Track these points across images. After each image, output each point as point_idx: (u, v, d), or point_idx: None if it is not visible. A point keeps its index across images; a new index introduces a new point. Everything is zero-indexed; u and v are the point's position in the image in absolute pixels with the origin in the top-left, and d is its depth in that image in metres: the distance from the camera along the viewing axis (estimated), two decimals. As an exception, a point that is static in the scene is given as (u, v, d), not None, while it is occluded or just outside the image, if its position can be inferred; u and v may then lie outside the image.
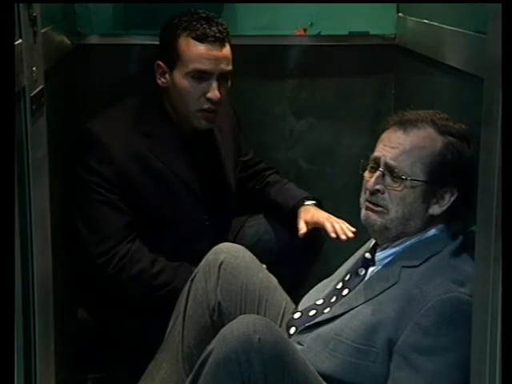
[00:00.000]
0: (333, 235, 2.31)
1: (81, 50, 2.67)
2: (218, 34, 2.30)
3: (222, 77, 2.33)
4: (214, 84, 2.30)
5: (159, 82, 2.36)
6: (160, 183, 2.36)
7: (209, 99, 2.31)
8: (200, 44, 2.30)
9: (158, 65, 2.35)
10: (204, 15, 2.34)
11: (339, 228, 2.32)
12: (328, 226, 2.34)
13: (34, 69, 1.52)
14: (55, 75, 2.05)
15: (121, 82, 2.72)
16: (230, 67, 2.34)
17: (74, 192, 2.33)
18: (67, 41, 2.40)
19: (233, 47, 2.36)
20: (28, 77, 1.47)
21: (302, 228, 2.39)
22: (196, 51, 2.29)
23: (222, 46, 2.31)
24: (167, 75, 2.34)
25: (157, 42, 2.43)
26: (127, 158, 2.31)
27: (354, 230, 2.31)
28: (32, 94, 1.49)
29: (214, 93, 2.30)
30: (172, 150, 2.38)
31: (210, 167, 2.48)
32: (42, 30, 1.65)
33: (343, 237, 2.29)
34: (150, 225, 2.36)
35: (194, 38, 2.30)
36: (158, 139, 2.36)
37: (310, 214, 2.43)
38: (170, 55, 2.33)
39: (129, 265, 2.30)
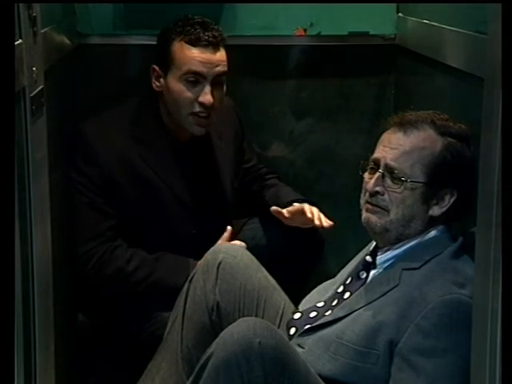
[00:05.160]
0: (309, 215, 2.32)
1: (81, 50, 2.67)
2: (211, 39, 2.29)
3: (216, 82, 2.31)
4: (207, 88, 2.29)
5: (154, 86, 2.35)
6: (147, 189, 2.35)
7: (201, 103, 2.29)
8: (193, 48, 2.29)
9: (154, 69, 2.35)
10: (200, 20, 2.33)
11: (317, 215, 2.32)
12: (307, 209, 2.34)
13: (34, 69, 1.52)
14: (55, 75, 2.05)
15: (120, 82, 2.72)
16: (224, 70, 2.32)
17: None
18: (67, 41, 2.40)
19: (231, 49, 2.35)
20: (28, 77, 1.47)
21: (278, 209, 2.39)
22: (189, 54, 2.29)
23: (216, 50, 2.30)
24: (161, 79, 2.34)
25: (156, 43, 2.42)
26: (115, 162, 2.31)
27: (331, 223, 2.31)
28: (32, 94, 1.49)
29: (207, 97, 2.29)
30: (162, 157, 2.37)
31: (205, 175, 2.46)
32: (42, 30, 1.65)
33: (317, 222, 2.30)
34: (134, 230, 2.36)
35: (187, 42, 2.29)
36: (149, 145, 2.35)
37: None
38: (164, 59, 2.32)
39: (106, 265, 2.31)
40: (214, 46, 2.30)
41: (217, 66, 2.31)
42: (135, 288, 2.33)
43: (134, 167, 2.34)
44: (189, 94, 2.30)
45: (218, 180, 2.49)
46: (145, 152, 2.35)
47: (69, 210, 2.30)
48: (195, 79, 2.29)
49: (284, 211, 2.40)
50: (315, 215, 2.33)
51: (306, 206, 2.37)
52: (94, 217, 2.31)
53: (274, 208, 2.42)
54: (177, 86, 2.31)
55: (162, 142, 2.37)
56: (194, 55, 2.29)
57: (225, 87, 2.37)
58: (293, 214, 2.39)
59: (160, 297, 2.31)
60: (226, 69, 2.33)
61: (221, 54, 2.32)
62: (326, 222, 2.32)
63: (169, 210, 2.38)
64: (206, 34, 2.29)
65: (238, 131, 2.59)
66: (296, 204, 2.41)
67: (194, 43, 2.29)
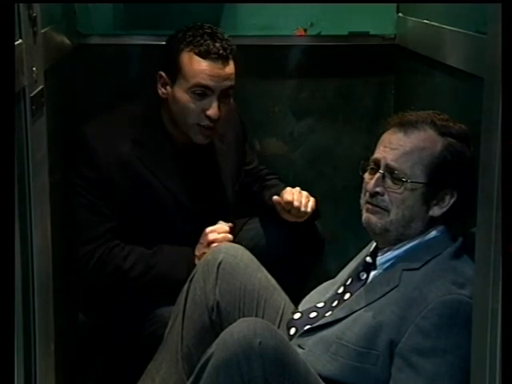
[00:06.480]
0: (289, 198, 2.34)
1: (81, 50, 2.67)
2: (221, 51, 2.26)
3: (224, 94, 2.30)
4: (215, 102, 2.27)
5: (160, 92, 2.33)
6: (147, 192, 2.35)
7: (208, 116, 2.28)
8: (203, 60, 2.27)
9: (160, 75, 2.33)
10: (209, 31, 2.30)
11: (298, 197, 2.35)
12: (288, 192, 2.37)
13: (34, 69, 1.52)
14: (55, 75, 2.05)
15: (120, 82, 2.72)
16: (232, 83, 2.31)
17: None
18: (67, 41, 2.40)
19: (235, 58, 2.32)
20: (28, 77, 1.47)
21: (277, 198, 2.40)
22: (198, 67, 2.27)
23: (225, 63, 2.28)
24: (168, 87, 2.32)
25: (157, 43, 2.43)
26: (115, 165, 2.30)
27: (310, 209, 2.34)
28: (32, 94, 1.49)
29: (214, 110, 2.27)
30: (162, 161, 2.37)
31: (206, 178, 2.46)
32: (42, 30, 1.65)
33: (296, 203, 2.33)
34: (134, 232, 2.36)
35: (196, 54, 2.27)
36: (149, 148, 2.35)
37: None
38: (172, 68, 2.30)
39: (105, 264, 2.31)
40: (223, 59, 2.28)
41: (225, 80, 2.29)
42: (134, 284, 2.33)
43: (134, 170, 2.33)
44: (195, 106, 2.29)
45: (219, 182, 2.48)
46: (145, 155, 2.34)
47: (68, 211, 2.30)
48: (203, 92, 2.28)
49: (276, 198, 2.40)
50: (295, 197, 2.36)
51: (288, 189, 2.38)
52: (94, 219, 2.31)
53: (275, 198, 2.40)
54: (184, 96, 2.29)
55: (162, 144, 2.37)
56: (203, 68, 2.27)
57: (232, 99, 2.36)
58: (286, 203, 2.38)
59: (160, 291, 2.31)
60: (233, 82, 2.31)
61: (229, 68, 2.30)
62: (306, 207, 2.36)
63: (169, 213, 2.38)
64: (216, 45, 2.27)
65: (239, 133, 2.59)
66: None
67: (204, 56, 2.26)
